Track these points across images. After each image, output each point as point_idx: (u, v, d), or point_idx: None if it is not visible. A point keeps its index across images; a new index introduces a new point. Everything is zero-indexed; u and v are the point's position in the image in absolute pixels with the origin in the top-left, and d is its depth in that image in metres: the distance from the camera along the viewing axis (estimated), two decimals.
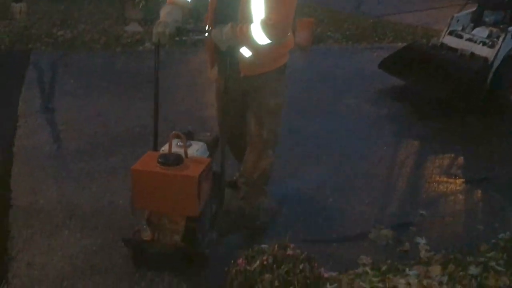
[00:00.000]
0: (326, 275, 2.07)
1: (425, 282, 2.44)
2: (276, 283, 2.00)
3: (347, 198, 3.41)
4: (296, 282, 1.99)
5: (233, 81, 2.70)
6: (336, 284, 2.27)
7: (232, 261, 2.18)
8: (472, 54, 5.02)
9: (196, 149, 2.67)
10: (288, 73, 2.95)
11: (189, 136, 2.76)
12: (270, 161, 3.01)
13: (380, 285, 2.45)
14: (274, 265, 2.08)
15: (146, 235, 2.54)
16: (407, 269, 2.61)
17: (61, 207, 3.16)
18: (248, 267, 2.10)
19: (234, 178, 3.20)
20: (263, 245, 2.26)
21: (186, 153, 2.56)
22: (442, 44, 5.36)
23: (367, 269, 2.60)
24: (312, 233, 3.01)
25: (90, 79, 5.36)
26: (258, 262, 2.10)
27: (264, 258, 2.11)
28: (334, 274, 2.47)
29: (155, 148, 2.74)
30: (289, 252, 2.11)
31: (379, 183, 3.68)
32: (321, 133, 4.39)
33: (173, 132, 2.57)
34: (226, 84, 2.65)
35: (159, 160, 2.47)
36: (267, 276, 2.04)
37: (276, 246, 2.17)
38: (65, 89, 5.05)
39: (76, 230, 2.93)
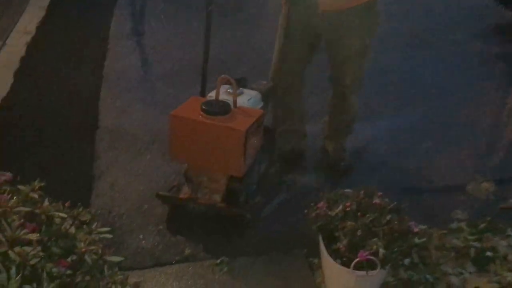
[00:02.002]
0: (415, 229, 1.86)
1: None
2: (359, 232, 1.83)
3: (444, 144, 3.09)
4: (381, 234, 1.81)
5: (306, 17, 2.35)
6: (425, 239, 2.05)
7: (312, 204, 2.02)
8: None
9: (248, 98, 2.36)
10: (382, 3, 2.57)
11: (242, 83, 2.45)
12: (354, 107, 2.75)
13: (476, 244, 2.19)
14: (358, 213, 1.90)
15: (184, 192, 2.34)
16: (508, 229, 2.33)
17: (145, 131, 3.16)
18: (329, 212, 1.94)
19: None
20: (346, 190, 2.07)
21: (235, 102, 2.25)
22: None
23: (462, 225, 2.34)
24: (401, 180, 2.77)
25: (180, 4, 5.25)
26: (340, 207, 1.93)
27: (347, 204, 1.93)
28: (423, 227, 2.25)
29: (203, 93, 2.49)
30: (376, 200, 1.91)
31: (483, 131, 3.29)
32: (419, 71, 3.96)
33: (222, 75, 2.27)
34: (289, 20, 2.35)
35: (203, 107, 2.17)
36: (349, 223, 1.87)
37: (361, 192, 1.97)
38: (155, 13, 4.98)
39: (158, 155, 2.92)
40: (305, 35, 2.47)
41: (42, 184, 1.59)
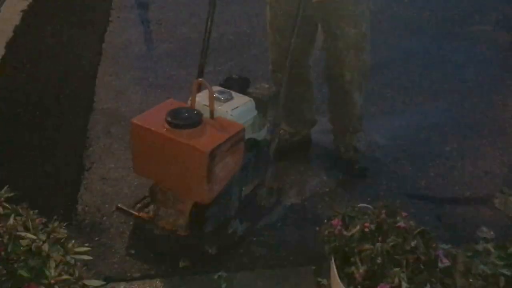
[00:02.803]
0: (445, 260, 1.62)
1: None
2: (379, 259, 1.60)
3: (469, 148, 2.81)
4: (405, 263, 1.58)
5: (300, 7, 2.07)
6: (448, 263, 1.81)
7: (325, 220, 1.78)
8: None
9: (234, 106, 1.96)
10: None
11: (239, 84, 2.08)
12: (358, 106, 2.47)
13: (506, 271, 1.95)
14: (378, 235, 1.66)
15: (147, 209, 2.02)
16: None
17: None
18: (344, 232, 1.70)
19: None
20: (365, 205, 1.83)
21: (212, 111, 1.90)
22: None
23: (489, 246, 2.09)
24: (421, 187, 2.52)
25: None
26: (358, 227, 1.69)
27: (366, 224, 1.69)
28: (446, 247, 2.01)
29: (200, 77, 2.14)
30: (400, 223, 1.66)
31: None
32: (440, 60, 3.64)
33: (199, 79, 1.95)
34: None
35: (167, 117, 1.82)
36: (367, 247, 1.63)
37: (383, 211, 1.72)
38: None
39: None
40: (303, 26, 2.17)
41: (11, 194, 1.35)
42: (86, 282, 1.34)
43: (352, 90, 2.40)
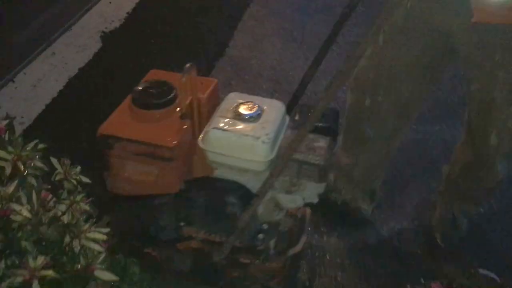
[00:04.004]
0: None
1: None
2: None
3: None
4: None
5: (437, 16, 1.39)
6: None
7: (421, 280, 1.33)
8: None
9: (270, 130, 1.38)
10: None
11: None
12: (499, 176, 1.66)
13: None
14: None
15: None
16: None
17: (270, 75, 2.61)
18: None
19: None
20: (486, 272, 1.32)
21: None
22: None
23: None
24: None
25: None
26: None
27: None
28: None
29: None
30: None
31: None
32: None
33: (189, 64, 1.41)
34: None
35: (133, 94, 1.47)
36: None
37: None
38: None
39: None
40: (428, 40, 1.48)
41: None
42: (97, 274, 1.13)
43: (497, 157, 1.60)
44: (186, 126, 1.43)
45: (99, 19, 2.98)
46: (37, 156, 1.15)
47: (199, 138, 1.42)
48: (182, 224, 1.48)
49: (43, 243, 1.12)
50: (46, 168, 1.12)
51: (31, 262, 0.99)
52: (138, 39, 2.83)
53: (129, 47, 2.76)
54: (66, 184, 1.22)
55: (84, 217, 1.19)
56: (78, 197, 1.17)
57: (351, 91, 1.70)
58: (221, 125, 1.39)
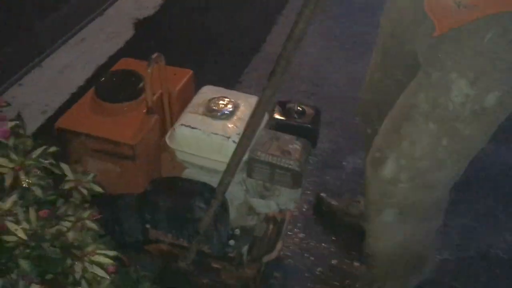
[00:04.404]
0: None
1: None
2: None
3: None
4: None
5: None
6: None
7: None
8: None
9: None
10: None
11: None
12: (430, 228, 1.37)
13: None
14: None
15: None
16: None
17: (311, 74, 2.44)
18: None
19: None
20: None
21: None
22: None
23: None
24: None
25: None
26: None
27: None
28: None
29: None
30: None
31: None
32: None
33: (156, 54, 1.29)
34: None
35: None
36: None
37: None
38: None
39: None
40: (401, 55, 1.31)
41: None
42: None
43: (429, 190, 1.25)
44: (152, 122, 1.31)
45: (133, 5, 2.87)
46: (45, 162, 1.03)
47: (167, 136, 1.31)
48: (148, 226, 1.36)
49: (43, 262, 1.00)
50: (49, 182, 1.00)
51: None
52: (172, 29, 2.70)
53: (161, 36, 2.64)
54: (76, 195, 1.10)
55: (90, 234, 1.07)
56: (85, 214, 1.06)
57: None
58: (190, 122, 1.28)
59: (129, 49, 2.53)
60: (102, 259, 1.00)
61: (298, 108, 1.43)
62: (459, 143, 1.13)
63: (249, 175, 1.31)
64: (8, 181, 0.92)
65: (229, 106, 1.31)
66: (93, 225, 1.06)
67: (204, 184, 1.31)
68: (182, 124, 1.28)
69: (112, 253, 1.02)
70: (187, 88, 1.43)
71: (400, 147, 1.17)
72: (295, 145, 1.29)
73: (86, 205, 1.11)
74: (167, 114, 1.40)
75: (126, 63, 1.47)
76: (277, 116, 1.42)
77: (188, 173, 1.36)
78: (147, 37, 2.63)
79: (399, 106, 1.20)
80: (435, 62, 1.10)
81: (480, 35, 1.02)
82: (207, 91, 1.37)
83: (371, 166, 1.24)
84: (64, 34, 2.54)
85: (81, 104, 1.37)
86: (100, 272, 0.99)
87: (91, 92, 1.38)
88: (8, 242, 0.87)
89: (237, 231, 1.40)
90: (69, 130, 1.31)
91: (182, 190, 1.32)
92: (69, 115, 1.34)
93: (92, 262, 0.99)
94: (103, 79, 1.39)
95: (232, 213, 1.36)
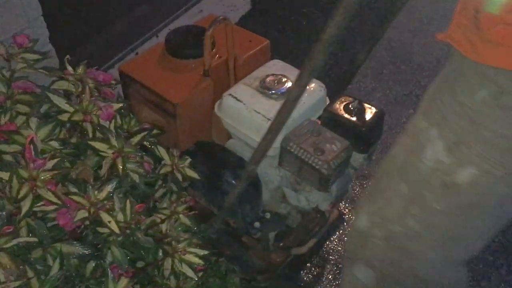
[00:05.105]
0: None
1: None
2: None
3: None
4: None
5: None
6: None
7: None
8: None
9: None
10: None
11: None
12: None
13: None
14: None
15: None
16: None
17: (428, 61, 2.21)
18: None
19: None
20: None
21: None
22: None
23: None
24: None
25: None
26: None
27: None
28: None
29: None
30: None
31: None
32: None
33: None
34: None
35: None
36: None
37: None
38: None
39: None
40: None
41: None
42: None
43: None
44: (203, 85, 1.28)
45: None
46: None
47: (217, 102, 1.29)
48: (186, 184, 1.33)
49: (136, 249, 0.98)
50: (148, 170, 0.97)
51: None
52: (290, 9, 2.59)
53: (277, 15, 2.54)
54: (171, 177, 1.06)
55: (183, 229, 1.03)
56: (180, 208, 1.02)
57: None
58: (238, 93, 1.24)
59: (244, 24, 2.47)
60: (192, 259, 0.96)
61: (358, 105, 1.23)
62: (432, 218, 0.88)
63: (280, 163, 1.23)
64: (104, 169, 0.90)
65: (285, 86, 1.23)
66: (187, 220, 1.02)
67: (240, 159, 1.28)
68: (230, 94, 1.25)
69: (202, 252, 0.97)
70: (258, 57, 1.37)
71: (375, 203, 0.96)
72: (333, 145, 1.15)
73: (183, 193, 1.08)
74: (231, 79, 1.35)
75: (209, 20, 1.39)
76: (333, 108, 1.25)
77: (232, 143, 1.33)
78: (261, 14, 2.55)
79: (391, 152, 0.95)
80: (431, 104, 0.85)
81: (474, 89, 0.75)
82: (273, 66, 1.31)
83: (354, 209, 1.09)
84: (184, 5, 2.54)
85: (150, 53, 1.39)
86: (189, 272, 0.95)
87: (163, 43, 1.37)
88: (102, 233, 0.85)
89: (268, 215, 1.34)
90: (128, 76, 1.33)
91: (218, 160, 1.30)
92: (134, 62, 1.39)
93: (182, 261, 0.95)
94: (177, 30, 1.37)
95: (265, 196, 1.31)
